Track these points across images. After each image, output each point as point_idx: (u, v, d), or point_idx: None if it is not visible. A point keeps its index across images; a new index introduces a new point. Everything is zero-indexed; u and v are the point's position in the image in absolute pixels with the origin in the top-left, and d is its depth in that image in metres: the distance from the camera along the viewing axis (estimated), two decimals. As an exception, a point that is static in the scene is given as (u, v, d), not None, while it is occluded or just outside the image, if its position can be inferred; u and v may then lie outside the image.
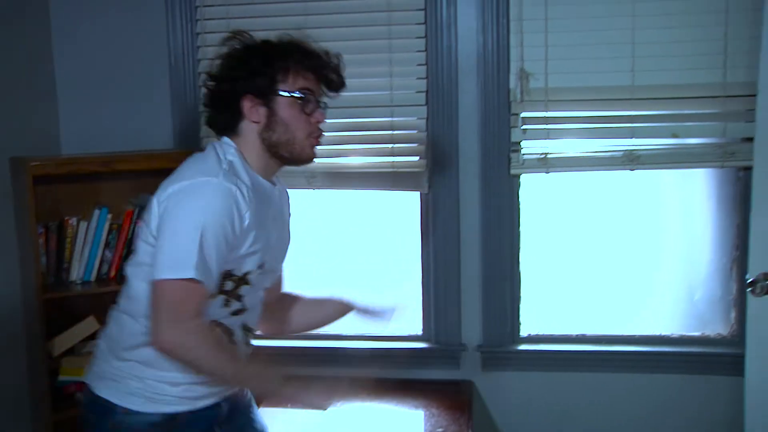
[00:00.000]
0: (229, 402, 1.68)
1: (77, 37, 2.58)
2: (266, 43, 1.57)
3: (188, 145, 2.56)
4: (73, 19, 2.57)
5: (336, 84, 1.62)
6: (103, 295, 2.43)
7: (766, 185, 1.85)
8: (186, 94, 2.56)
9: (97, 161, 2.27)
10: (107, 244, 2.33)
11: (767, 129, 1.83)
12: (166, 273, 1.41)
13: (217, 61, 1.58)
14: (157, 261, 1.43)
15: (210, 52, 2.53)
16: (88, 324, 2.34)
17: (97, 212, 2.33)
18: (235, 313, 1.58)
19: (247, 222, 1.47)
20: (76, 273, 2.32)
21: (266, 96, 1.53)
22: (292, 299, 1.84)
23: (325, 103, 1.63)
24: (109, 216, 2.33)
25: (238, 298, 1.57)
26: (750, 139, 2.12)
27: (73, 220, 2.31)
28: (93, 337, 2.33)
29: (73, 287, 2.32)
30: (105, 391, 1.56)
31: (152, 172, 2.43)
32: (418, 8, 2.42)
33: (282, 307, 1.83)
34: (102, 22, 2.57)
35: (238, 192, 1.45)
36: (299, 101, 1.54)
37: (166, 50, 2.55)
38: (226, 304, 1.55)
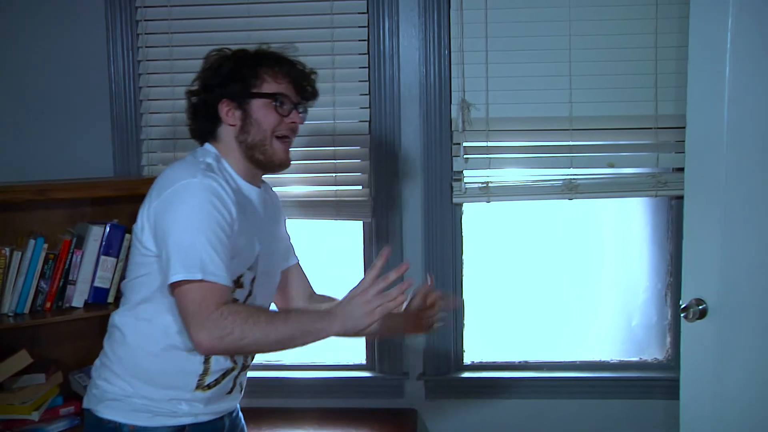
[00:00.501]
0: (230, 420, 1.70)
1: (13, 61, 2.53)
2: (241, 50, 1.64)
3: (129, 173, 2.53)
4: (8, 42, 2.52)
5: (309, 93, 1.67)
6: (38, 328, 2.37)
7: (696, 214, 1.91)
8: (127, 121, 2.53)
9: (32, 190, 2.20)
10: (42, 275, 2.26)
11: (696, 160, 1.90)
12: (178, 275, 1.41)
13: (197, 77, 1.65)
14: (168, 269, 1.43)
15: (152, 79, 2.52)
16: (20, 358, 2.25)
17: (32, 242, 2.26)
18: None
19: (233, 215, 1.48)
20: (9, 305, 2.24)
21: (241, 99, 1.58)
22: (324, 299, 1.85)
23: (303, 107, 1.66)
24: (45, 246, 2.26)
25: (235, 302, 1.54)
26: (681, 169, 2.20)
27: (6, 250, 2.23)
28: (25, 371, 2.25)
29: (5, 319, 2.24)
30: (110, 411, 1.55)
31: (91, 200, 2.40)
32: (361, 39, 2.46)
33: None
34: (40, 46, 2.52)
35: (219, 187, 1.47)
36: (274, 103, 1.59)
37: (107, 76, 2.51)
38: None
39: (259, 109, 1.59)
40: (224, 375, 1.61)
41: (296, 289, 1.85)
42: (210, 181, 1.47)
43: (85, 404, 1.63)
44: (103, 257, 2.27)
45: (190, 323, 1.41)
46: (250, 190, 1.63)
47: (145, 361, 1.55)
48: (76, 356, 2.44)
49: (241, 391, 1.72)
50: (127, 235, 2.30)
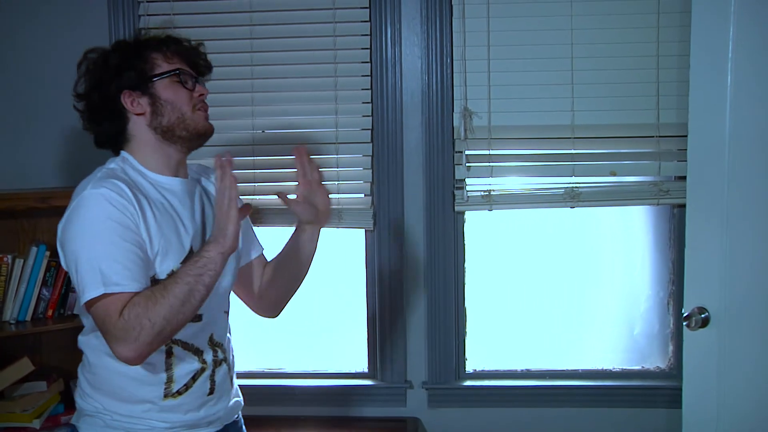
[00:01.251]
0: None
1: (15, 67, 2.53)
2: (120, 42, 1.61)
3: (131, 181, 2.53)
4: (11, 48, 2.52)
5: (203, 67, 1.64)
6: (40, 335, 2.37)
7: (698, 222, 1.91)
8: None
9: (34, 197, 2.21)
10: (44, 282, 2.26)
11: (698, 168, 1.90)
12: (84, 296, 1.41)
13: (81, 81, 1.58)
14: (78, 292, 1.43)
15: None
16: (22, 366, 2.25)
17: (34, 249, 2.26)
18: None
19: (135, 216, 1.45)
20: (10, 312, 2.24)
21: (142, 85, 1.54)
22: (268, 269, 1.81)
23: (202, 81, 1.64)
24: (47, 253, 2.27)
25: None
26: (683, 178, 2.20)
27: (8, 258, 2.24)
28: (27, 379, 2.25)
29: (7, 327, 2.24)
30: (88, 428, 1.55)
31: (93, 208, 2.40)
32: (364, 47, 2.46)
33: (267, 286, 1.80)
34: (42, 53, 2.52)
35: (110, 192, 1.43)
36: (177, 79, 1.56)
37: (110, 85, 2.52)
38: None
39: (166, 89, 1.55)
40: (194, 378, 1.57)
41: (260, 282, 1.80)
42: (101, 189, 1.43)
43: (72, 419, 1.64)
44: (105, 265, 2.27)
45: (108, 341, 1.40)
46: (169, 182, 1.58)
47: (110, 378, 1.54)
48: (78, 364, 2.43)
49: (229, 392, 1.67)
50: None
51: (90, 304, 1.40)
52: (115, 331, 1.37)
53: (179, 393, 1.55)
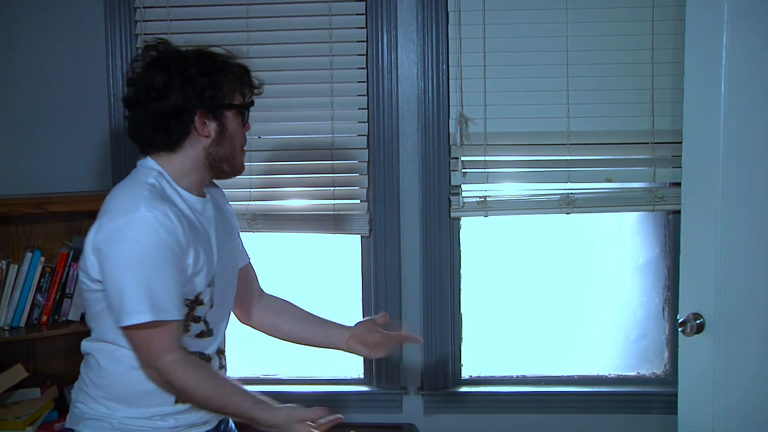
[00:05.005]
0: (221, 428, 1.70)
1: (11, 74, 2.52)
2: (203, 53, 1.55)
3: (126, 187, 2.53)
4: (7, 55, 2.52)
5: (252, 101, 1.64)
6: (33, 342, 2.36)
7: (693, 228, 1.92)
8: (125, 134, 2.50)
9: (29, 203, 2.20)
10: (39, 288, 2.26)
11: (693, 174, 1.91)
12: (124, 320, 1.42)
13: (147, 74, 1.51)
14: (114, 309, 1.44)
15: (150, 93, 2.52)
16: (16, 372, 2.24)
17: (28, 255, 2.25)
18: (200, 335, 1.58)
19: (182, 242, 1.45)
20: (4, 318, 2.23)
21: (216, 110, 1.52)
22: (288, 305, 1.89)
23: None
24: (42, 259, 2.26)
25: (197, 320, 1.56)
26: (678, 184, 2.21)
27: (3, 264, 2.23)
28: (20, 386, 2.24)
29: (0, 333, 2.23)
30: (90, 429, 1.55)
31: (89, 213, 2.39)
32: (360, 53, 2.47)
33: (276, 309, 1.87)
34: (38, 59, 2.52)
35: (163, 216, 1.43)
36: (241, 114, 1.57)
37: (105, 89, 2.52)
38: (186, 329, 1.53)
39: (232, 121, 1.55)
40: None
41: (245, 289, 1.82)
42: (156, 213, 1.42)
43: (68, 423, 1.63)
44: (100, 271, 2.27)
45: (141, 360, 1.47)
46: (198, 203, 1.58)
47: (119, 383, 1.54)
48: (72, 370, 2.39)
49: None
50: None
51: (131, 327, 1.42)
52: (156, 362, 1.44)
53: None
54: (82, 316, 2.26)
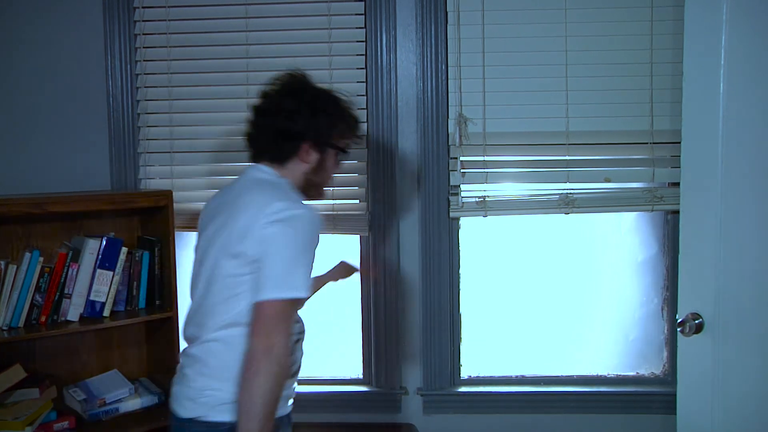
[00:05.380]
0: None
1: (10, 73, 2.53)
2: (333, 99, 1.77)
3: (126, 186, 2.53)
4: (5, 55, 2.52)
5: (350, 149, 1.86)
6: (32, 342, 2.36)
7: (692, 228, 1.92)
8: (124, 134, 2.53)
9: (28, 202, 2.20)
10: (38, 288, 2.25)
11: (692, 174, 1.91)
12: (277, 293, 1.56)
13: (281, 95, 1.73)
14: (267, 283, 1.56)
15: (149, 92, 2.53)
16: (14, 372, 2.24)
17: (27, 255, 2.25)
18: (299, 333, 1.78)
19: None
20: (3, 318, 2.22)
21: (323, 145, 1.73)
22: None
23: None
24: (41, 259, 2.25)
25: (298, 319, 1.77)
26: (677, 184, 2.21)
27: (1, 263, 2.23)
28: (19, 386, 2.23)
29: (-1, 333, 2.23)
30: (223, 415, 1.62)
31: (88, 213, 2.39)
32: (359, 53, 2.47)
33: None
34: (37, 59, 2.52)
35: (318, 218, 1.64)
36: (338, 156, 1.79)
37: (104, 89, 2.52)
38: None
39: (331, 157, 1.77)
40: (300, 358, 1.80)
41: None
42: (314, 213, 1.63)
43: (191, 414, 1.65)
44: (99, 270, 2.27)
45: (260, 329, 1.56)
46: None
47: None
48: (71, 370, 2.43)
49: None
50: (124, 249, 2.29)
51: (278, 301, 1.56)
52: (278, 336, 1.55)
53: (295, 372, 1.76)
54: (81, 317, 2.26)
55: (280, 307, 1.57)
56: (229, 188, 1.77)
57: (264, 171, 1.73)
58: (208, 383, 1.66)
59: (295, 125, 1.69)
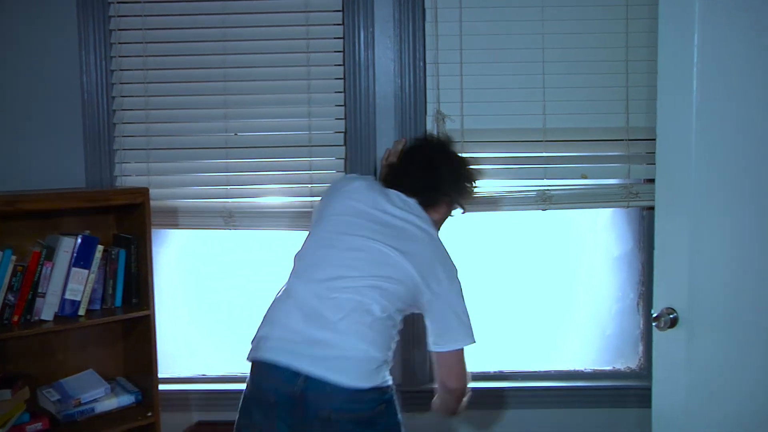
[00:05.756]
0: None
1: (-18, 71, 2.49)
2: (476, 171, 2.05)
3: (101, 184, 2.50)
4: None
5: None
6: (5, 342, 2.32)
7: (667, 224, 1.94)
8: (99, 131, 2.50)
9: (1, 201, 2.16)
10: (10, 287, 2.22)
11: (666, 171, 1.93)
12: (461, 343, 1.84)
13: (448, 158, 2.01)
14: (452, 333, 1.84)
15: (125, 89, 2.50)
16: (-13, 372, 2.21)
17: (-1, 253, 2.22)
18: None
19: None
20: (-25, 318, 2.19)
21: (454, 204, 2.00)
22: None
23: None
24: (14, 258, 2.22)
25: None
26: (652, 181, 2.23)
27: (-27, 262, 2.19)
28: (-7, 386, 2.20)
29: (-29, 333, 2.19)
30: (389, 378, 1.79)
31: (62, 211, 2.36)
32: (337, 50, 2.46)
33: None
34: (10, 55, 2.48)
35: None
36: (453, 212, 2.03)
37: (79, 86, 2.49)
38: None
39: (451, 212, 2.03)
40: None
41: None
42: None
43: (372, 383, 1.72)
44: (74, 269, 2.24)
45: (455, 375, 1.88)
46: None
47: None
48: (45, 371, 2.39)
49: None
50: (99, 247, 2.27)
51: (455, 350, 1.85)
52: (465, 379, 1.90)
53: None
54: (56, 316, 2.23)
55: (458, 354, 1.89)
56: (382, 195, 1.90)
57: (426, 216, 1.92)
58: (383, 357, 1.81)
59: (445, 185, 1.96)
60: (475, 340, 1.84)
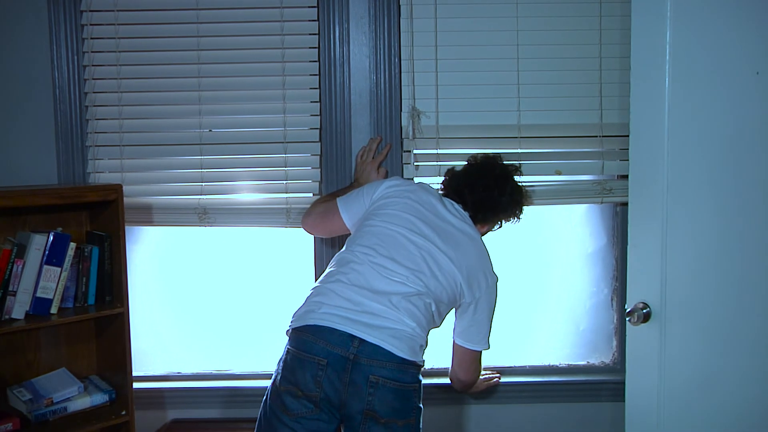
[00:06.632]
0: None
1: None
2: (527, 204, 2.27)
3: (74, 180, 2.47)
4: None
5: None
6: (-25, 341, 2.29)
7: (640, 220, 1.96)
8: (72, 127, 2.47)
9: (-29, 197, 2.13)
10: (-20, 286, 2.18)
11: (639, 167, 1.95)
12: (485, 345, 2.10)
13: (507, 182, 2.19)
14: (477, 335, 2.08)
15: (98, 84, 2.47)
16: (-43, 372, 2.17)
17: (-31, 251, 2.18)
18: None
19: None
20: (-56, 317, 2.15)
21: (497, 223, 2.20)
22: None
23: None
24: (-17, 255, 2.19)
25: None
26: (626, 177, 2.25)
27: (-58, 260, 2.15)
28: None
29: (-60, 333, 2.15)
30: (424, 360, 1.95)
31: (34, 208, 2.33)
32: (312, 46, 2.45)
33: None
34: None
35: None
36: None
37: (50, 82, 2.45)
38: None
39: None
40: None
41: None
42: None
43: (416, 358, 1.88)
44: (46, 267, 2.21)
45: (466, 370, 2.17)
46: None
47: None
48: (16, 370, 2.36)
49: None
50: (72, 244, 2.24)
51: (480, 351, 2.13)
52: (475, 375, 2.21)
53: None
54: (27, 314, 2.20)
55: (478, 354, 2.19)
56: (439, 202, 2.06)
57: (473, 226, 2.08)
58: (422, 337, 1.96)
59: (498, 208, 2.15)
60: (489, 347, 2.11)
